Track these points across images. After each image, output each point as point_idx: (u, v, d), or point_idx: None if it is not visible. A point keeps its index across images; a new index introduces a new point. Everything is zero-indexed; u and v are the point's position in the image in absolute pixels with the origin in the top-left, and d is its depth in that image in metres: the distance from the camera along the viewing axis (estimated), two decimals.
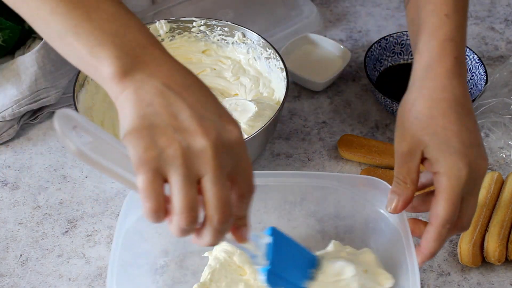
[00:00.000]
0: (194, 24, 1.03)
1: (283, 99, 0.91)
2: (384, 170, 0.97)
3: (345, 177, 0.86)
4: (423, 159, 0.73)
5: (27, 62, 1.03)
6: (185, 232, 0.60)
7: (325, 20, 1.23)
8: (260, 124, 0.90)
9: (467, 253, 0.86)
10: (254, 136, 0.87)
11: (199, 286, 0.81)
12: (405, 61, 1.12)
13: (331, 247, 0.85)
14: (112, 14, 0.66)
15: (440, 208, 0.71)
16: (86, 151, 0.58)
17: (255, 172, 0.85)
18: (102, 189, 0.97)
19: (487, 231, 0.88)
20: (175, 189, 0.58)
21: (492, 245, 0.86)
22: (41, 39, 1.07)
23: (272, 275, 0.72)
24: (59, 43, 0.66)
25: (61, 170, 0.99)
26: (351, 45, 1.19)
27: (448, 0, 0.81)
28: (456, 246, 0.90)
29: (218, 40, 1.04)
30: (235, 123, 0.62)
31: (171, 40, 1.04)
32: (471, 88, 1.06)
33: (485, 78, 1.04)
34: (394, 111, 1.02)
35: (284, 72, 0.95)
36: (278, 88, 0.99)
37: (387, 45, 1.10)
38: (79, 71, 0.94)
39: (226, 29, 1.03)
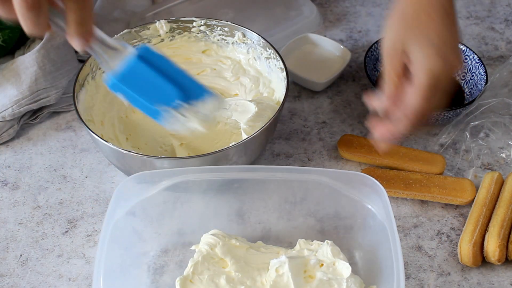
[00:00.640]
0: (194, 24, 1.03)
1: (283, 99, 0.91)
2: (384, 170, 0.97)
3: (332, 172, 0.86)
4: (403, 53, 0.80)
5: (27, 62, 1.03)
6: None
7: (325, 20, 1.24)
8: (260, 124, 0.90)
9: (467, 253, 0.86)
10: (254, 136, 0.87)
11: (182, 280, 0.81)
12: None
13: (297, 246, 0.86)
14: None
15: (413, 98, 0.78)
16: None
17: (253, 166, 0.86)
18: (102, 189, 0.97)
19: (487, 231, 0.88)
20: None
21: (492, 245, 0.86)
22: (41, 39, 1.07)
23: (116, 83, 0.75)
24: None
25: (61, 170, 0.99)
26: (351, 45, 1.19)
27: None
28: (456, 246, 0.90)
29: (218, 40, 1.04)
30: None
31: (171, 40, 1.04)
32: (471, 88, 1.06)
33: (485, 78, 1.04)
34: None
35: (284, 72, 0.95)
36: (278, 88, 0.99)
37: None
38: (79, 71, 0.94)
39: (226, 29, 1.03)
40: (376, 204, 0.83)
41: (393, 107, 0.81)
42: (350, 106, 1.09)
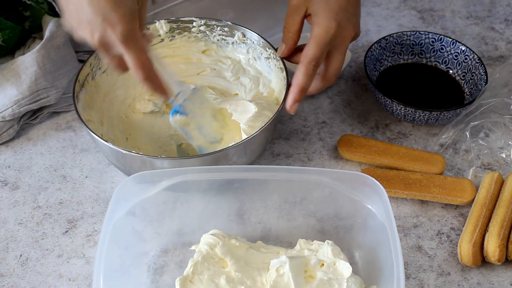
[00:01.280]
0: (194, 24, 1.03)
1: (283, 99, 0.91)
2: (384, 170, 0.97)
3: (333, 172, 0.86)
4: (308, 16, 0.92)
5: (27, 62, 1.03)
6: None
7: None
8: (260, 125, 0.90)
9: (467, 253, 0.86)
10: (254, 136, 0.87)
11: (181, 280, 0.81)
12: (405, 61, 1.12)
13: (297, 246, 0.86)
14: None
15: (309, 49, 0.89)
16: None
17: (253, 166, 0.86)
18: (102, 189, 0.97)
19: (487, 231, 0.88)
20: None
21: (492, 245, 0.86)
22: (41, 39, 1.07)
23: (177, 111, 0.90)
24: None
25: (61, 170, 0.99)
26: (351, 45, 1.19)
27: None
28: (456, 246, 0.90)
29: (218, 40, 1.04)
30: (116, 29, 0.77)
31: (171, 40, 1.04)
32: (471, 88, 1.06)
33: (485, 78, 1.04)
34: (394, 111, 1.02)
35: (284, 72, 0.95)
36: (278, 88, 0.99)
37: (387, 45, 1.10)
38: (79, 71, 0.94)
39: (226, 29, 1.03)
40: (376, 204, 0.83)
41: (292, 59, 0.95)
42: (350, 106, 1.09)
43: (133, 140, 0.98)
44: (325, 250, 0.83)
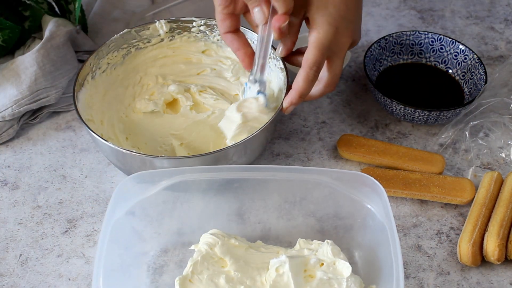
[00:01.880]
0: (194, 24, 1.03)
1: (283, 99, 0.91)
2: (383, 170, 0.97)
3: (332, 172, 0.87)
4: (306, 19, 0.91)
5: (27, 62, 1.03)
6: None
7: None
8: (243, 136, 0.89)
9: (466, 252, 0.86)
10: (254, 136, 0.87)
11: (181, 280, 0.81)
12: (405, 61, 1.12)
13: (297, 245, 0.86)
14: None
15: (309, 53, 0.88)
16: None
17: (253, 166, 0.86)
18: (102, 189, 0.97)
19: (487, 231, 0.88)
20: None
21: (492, 245, 0.86)
22: (41, 39, 1.07)
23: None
24: None
25: (61, 170, 0.99)
26: None
27: None
28: (456, 246, 0.90)
29: (218, 40, 1.04)
30: None
31: (170, 40, 1.04)
32: (471, 88, 1.06)
33: (485, 78, 1.04)
34: (394, 111, 1.02)
35: (284, 72, 0.95)
36: (278, 89, 0.99)
37: (386, 45, 1.10)
38: (79, 71, 0.94)
39: None
40: (375, 203, 0.83)
41: (292, 61, 0.95)
42: (350, 106, 1.09)
43: (133, 139, 0.98)
44: (325, 249, 0.83)
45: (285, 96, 0.91)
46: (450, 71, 1.10)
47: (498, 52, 1.19)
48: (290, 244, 0.88)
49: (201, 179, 0.85)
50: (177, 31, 1.04)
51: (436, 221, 0.93)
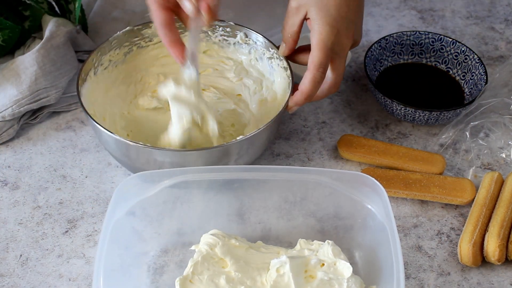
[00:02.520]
0: None
1: (288, 97, 0.91)
2: (384, 170, 0.97)
3: (332, 172, 0.87)
4: (307, 18, 0.91)
5: (27, 62, 1.03)
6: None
7: None
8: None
9: (467, 253, 0.86)
10: (258, 132, 0.87)
11: (181, 280, 0.81)
12: (405, 61, 1.12)
13: (297, 246, 0.86)
14: None
15: (314, 55, 0.88)
16: None
17: (253, 166, 0.86)
18: (102, 189, 0.97)
19: (487, 231, 0.88)
20: None
21: (492, 245, 0.86)
22: (41, 38, 1.07)
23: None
24: None
25: (61, 170, 0.99)
26: None
27: None
28: (456, 246, 0.90)
29: (219, 40, 1.04)
30: None
31: None
32: (471, 88, 1.06)
33: (485, 78, 1.04)
34: (394, 111, 1.02)
35: (288, 71, 0.95)
36: (281, 90, 0.99)
37: (387, 45, 1.10)
38: (82, 67, 0.94)
39: (228, 29, 1.03)
40: (376, 204, 0.83)
41: (295, 59, 0.95)
42: (350, 106, 1.09)
43: (134, 136, 0.98)
44: (326, 250, 0.83)
45: (290, 94, 0.91)
46: (451, 71, 1.10)
47: (498, 52, 1.18)
48: (291, 245, 0.88)
49: (201, 179, 0.85)
50: (179, 30, 1.04)
51: (437, 222, 0.93)
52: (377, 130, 1.05)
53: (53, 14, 1.09)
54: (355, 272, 0.82)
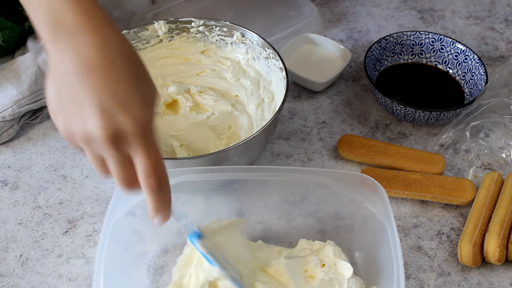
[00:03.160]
0: (192, 24, 1.03)
1: (283, 99, 0.91)
2: (384, 170, 0.97)
3: (333, 173, 0.87)
4: None
5: (27, 62, 1.03)
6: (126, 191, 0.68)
7: (325, 20, 1.24)
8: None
9: (467, 253, 0.86)
10: (254, 136, 0.87)
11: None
12: (405, 61, 1.12)
13: (298, 245, 0.86)
14: None
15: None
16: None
17: (253, 167, 0.86)
18: (102, 189, 0.97)
19: (487, 231, 0.88)
20: (92, 163, 0.69)
21: (492, 245, 0.86)
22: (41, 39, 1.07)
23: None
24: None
25: (61, 170, 0.99)
26: (351, 45, 1.19)
27: None
28: (456, 246, 0.90)
29: (217, 40, 1.04)
30: (134, 113, 0.64)
31: (169, 40, 1.04)
32: (471, 88, 1.06)
33: (485, 78, 1.04)
34: (394, 111, 1.02)
35: (284, 72, 0.95)
36: (277, 90, 0.99)
37: (387, 45, 1.10)
38: None
39: (225, 29, 1.03)
40: (376, 204, 0.83)
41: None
42: (350, 106, 1.09)
43: None
44: (326, 250, 0.83)
45: (285, 96, 0.91)
46: (451, 71, 1.10)
47: (498, 52, 1.18)
48: (291, 245, 0.88)
49: (201, 180, 0.85)
50: (176, 31, 1.04)
51: (437, 222, 0.93)
52: (377, 130, 1.05)
53: None
54: (355, 272, 0.82)
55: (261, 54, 1.01)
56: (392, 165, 0.99)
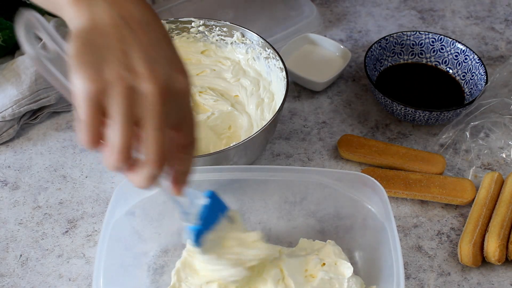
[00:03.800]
0: (193, 24, 1.03)
1: (283, 99, 0.91)
2: (384, 170, 0.97)
3: (333, 172, 0.86)
4: None
5: (27, 62, 1.03)
6: (115, 168, 0.58)
7: (325, 20, 1.23)
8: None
9: (467, 253, 0.86)
10: (254, 136, 0.87)
11: None
12: (405, 61, 1.12)
13: (298, 245, 0.86)
14: None
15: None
16: (44, 60, 0.59)
17: (253, 166, 0.86)
18: (102, 189, 0.97)
19: (487, 231, 0.88)
20: (113, 127, 0.57)
21: (492, 245, 0.86)
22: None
23: (200, 235, 0.73)
24: None
25: (61, 170, 0.99)
26: (351, 45, 1.19)
27: None
28: (456, 246, 0.90)
29: (217, 40, 1.04)
30: (185, 73, 0.60)
31: None
32: (471, 88, 1.06)
33: (485, 78, 1.04)
34: (394, 111, 1.02)
35: (284, 72, 0.95)
36: (277, 90, 0.99)
37: (387, 45, 1.10)
38: None
39: (225, 29, 1.03)
40: (376, 204, 0.83)
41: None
42: (350, 106, 1.09)
43: None
44: (327, 249, 0.83)
45: (284, 97, 0.91)
46: (451, 71, 1.10)
47: (498, 52, 1.18)
48: (291, 245, 0.88)
49: (201, 180, 0.85)
50: (176, 31, 1.04)
51: (437, 222, 0.93)
52: (377, 130, 1.05)
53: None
54: (355, 272, 0.82)
55: (261, 54, 1.01)
56: (392, 165, 0.99)
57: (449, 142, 1.02)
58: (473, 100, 1.01)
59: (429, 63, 1.12)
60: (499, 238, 0.86)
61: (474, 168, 0.99)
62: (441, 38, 1.10)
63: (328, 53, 1.14)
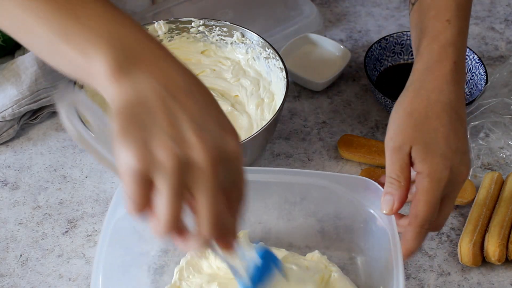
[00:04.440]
0: (192, 24, 1.03)
1: (283, 99, 0.91)
2: (384, 170, 0.97)
3: (334, 175, 0.86)
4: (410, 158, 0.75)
5: (27, 62, 1.03)
6: (163, 236, 0.57)
7: (325, 20, 1.23)
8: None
9: (467, 253, 0.86)
10: (254, 136, 0.87)
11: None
12: (405, 61, 1.12)
13: (309, 255, 0.85)
14: (101, 11, 0.60)
15: (420, 209, 0.73)
16: (88, 138, 0.58)
17: (254, 168, 0.86)
18: (102, 189, 0.97)
19: (487, 231, 0.88)
20: (162, 199, 0.55)
21: (492, 245, 0.86)
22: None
23: None
24: (50, 51, 0.61)
25: (61, 170, 0.99)
26: (351, 45, 1.19)
27: (450, 6, 0.83)
28: (456, 246, 0.90)
29: (217, 40, 1.04)
30: (234, 133, 0.59)
31: (169, 40, 1.04)
32: (471, 88, 1.06)
33: (485, 78, 1.04)
34: None
35: (284, 72, 0.95)
36: (277, 90, 0.99)
37: (387, 45, 1.10)
38: None
39: (225, 29, 1.03)
40: (377, 207, 0.83)
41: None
42: (350, 106, 1.09)
43: None
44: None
45: (284, 97, 0.91)
46: None
47: (498, 53, 1.18)
48: (291, 245, 0.88)
49: None
50: (176, 31, 1.04)
51: None
52: (377, 130, 1.05)
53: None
54: (355, 272, 0.82)
55: (261, 54, 1.01)
56: None
57: None
58: (473, 100, 1.01)
59: None
60: (499, 238, 0.86)
61: (474, 168, 0.99)
62: None
63: (328, 53, 1.14)
